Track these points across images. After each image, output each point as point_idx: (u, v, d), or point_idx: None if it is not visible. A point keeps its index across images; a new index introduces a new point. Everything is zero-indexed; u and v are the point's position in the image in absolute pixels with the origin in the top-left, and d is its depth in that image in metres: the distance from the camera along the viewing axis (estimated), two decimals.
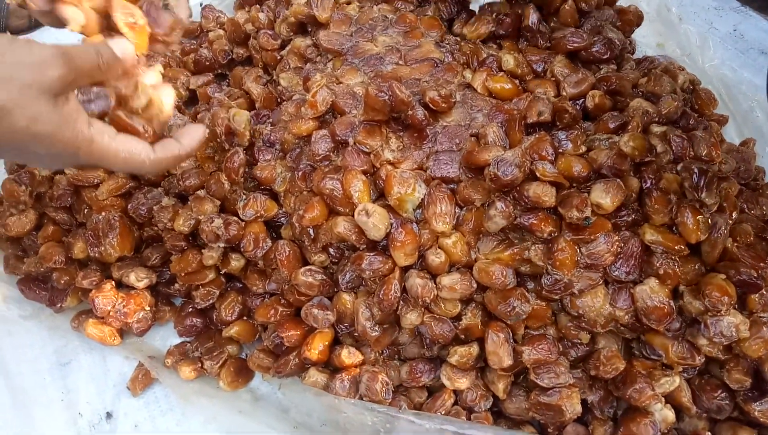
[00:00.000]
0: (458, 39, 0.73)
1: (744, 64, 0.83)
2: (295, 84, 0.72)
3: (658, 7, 0.93)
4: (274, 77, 0.77)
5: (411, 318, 0.55)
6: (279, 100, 0.74)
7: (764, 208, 0.64)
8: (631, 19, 0.84)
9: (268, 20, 0.85)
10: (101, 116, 0.44)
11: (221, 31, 0.87)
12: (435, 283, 0.55)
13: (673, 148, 0.60)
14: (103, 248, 0.65)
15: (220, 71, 0.86)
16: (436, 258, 0.55)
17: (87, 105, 0.42)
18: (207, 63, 0.84)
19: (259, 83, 0.78)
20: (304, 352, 0.58)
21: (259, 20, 0.84)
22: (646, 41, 0.90)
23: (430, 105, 0.60)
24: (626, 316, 0.55)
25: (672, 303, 0.53)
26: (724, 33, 0.87)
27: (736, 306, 0.54)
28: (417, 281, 0.54)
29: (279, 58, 0.79)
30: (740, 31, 0.87)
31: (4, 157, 0.42)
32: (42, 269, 0.69)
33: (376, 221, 0.54)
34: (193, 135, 0.49)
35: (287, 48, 0.78)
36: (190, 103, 0.84)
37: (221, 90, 0.81)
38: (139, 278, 0.66)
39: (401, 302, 0.55)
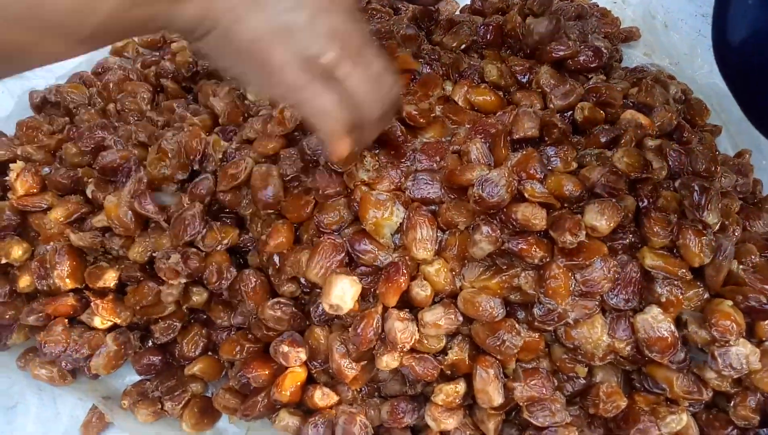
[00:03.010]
0: (437, 48, 0.68)
1: None
2: (264, 98, 0.67)
3: (644, 15, 0.90)
4: (241, 90, 0.72)
5: (387, 360, 0.49)
6: (246, 115, 0.69)
7: (766, 224, 0.60)
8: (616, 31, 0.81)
9: None
10: None
11: (185, 42, 0.81)
12: (417, 320, 0.50)
13: (670, 163, 0.56)
14: (51, 281, 0.59)
15: (184, 84, 0.81)
16: (421, 291, 0.50)
17: None
18: (170, 77, 0.78)
19: (232, 96, 0.72)
20: (273, 393, 0.52)
21: None
22: (632, 51, 0.87)
23: (408, 120, 0.55)
24: (627, 348, 0.50)
25: (676, 333, 0.49)
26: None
27: (745, 334, 0.49)
28: (396, 325, 0.48)
29: None
30: None
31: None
32: None
33: None
34: None
35: None
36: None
37: (187, 107, 0.76)
38: (104, 322, 0.59)
39: (378, 341, 0.50)
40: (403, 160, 0.55)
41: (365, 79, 0.39)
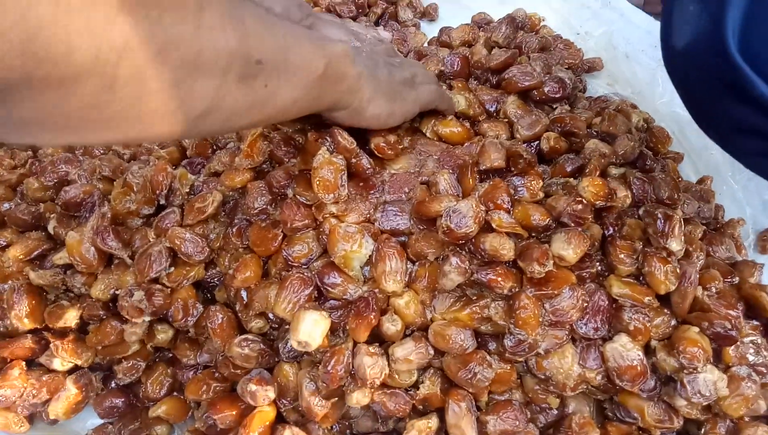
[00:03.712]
0: None
1: None
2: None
3: (606, 46, 0.93)
4: None
5: (357, 397, 0.48)
6: (214, 147, 0.68)
7: (729, 249, 0.61)
8: (579, 61, 0.83)
9: None
10: None
11: None
12: (387, 354, 0.49)
13: (634, 191, 0.57)
14: (8, 322, 0.57)
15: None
16: (391, 326, 0.49)
17: None
18: None
19: None
20: (241, 434, 0.51)
21: None
22: (596, 81, 0.89)
23: (376, 152, 0.55)
24: (597, 377, 0.50)
25: (645, 361, 0.49)
26: None
27: (712, 360, 0.50)
28: (365, 361, 0.47)
29: None
30: None
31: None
32: None
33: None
34: None
35: None
36: None
37: None
38: (64, 363, 0.57)
39: (348, 378, 0.49)
40: (372, 192, 0.55)
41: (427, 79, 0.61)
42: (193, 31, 0.31)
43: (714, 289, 0.53)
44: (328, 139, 0.53)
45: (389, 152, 0.56)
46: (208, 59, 0.33)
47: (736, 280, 0.56)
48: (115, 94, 0.29)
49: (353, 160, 0.53)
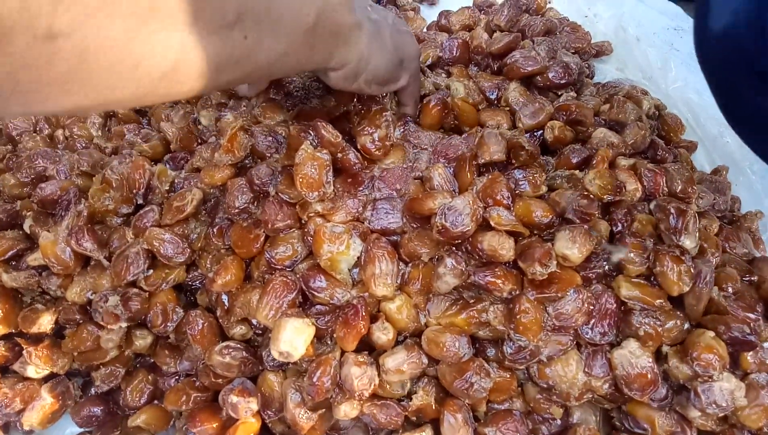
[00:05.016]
0: None
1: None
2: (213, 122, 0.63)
3: (615, 29, 0.88)
4: (196, 115, 0.68)
5: (345, 410, 0.45)
6: (200, 140, 0.64)
7: (746, 245, 0.57)
8: (587, 45, 0.79)
9: None
10: None
11: None
12: (377, 363, 0.45)
13: (645, 183, 0.53)
14: None
15: (138, 108, 0.76)
16: (382, 335, 0.45)
17: None
18: None
19: (186, 121, 0.68)
20: None
21: None
22: (604, 66, 0.84)
23: (363, 153, 0.51)
24: (604, 386, 0.47)
25: (656, 369, 0.45)
26: (686, 54, 0.81)
27: (729, 367, 0.46)
28: (353, 371, 0.44)
29: None
30: None
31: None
32: None
33: None
34: None
35: None
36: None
37: (139, 132, 0.71)
38: (39, 371, 0.54)
39: (336, 389, 0.45)
40: (361, 189, 0.51)
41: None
42: None
43: (731, 290, 0.49)
44: (312, 133, 0.49)
45: (377, 153, 0.51)
46: (167, 6, 0.29)
47: (755, 278, 0.52)
48: (55, 52, 0.25)
49: (339, 155, 0.49)
